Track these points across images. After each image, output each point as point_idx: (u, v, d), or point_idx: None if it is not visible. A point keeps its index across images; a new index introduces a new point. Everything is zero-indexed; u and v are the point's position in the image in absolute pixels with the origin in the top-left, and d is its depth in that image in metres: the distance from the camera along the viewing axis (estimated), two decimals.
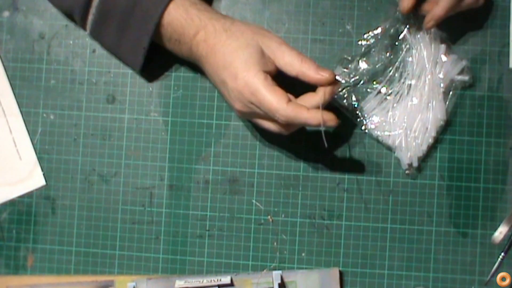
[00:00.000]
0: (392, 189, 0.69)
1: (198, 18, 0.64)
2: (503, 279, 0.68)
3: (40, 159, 0.72)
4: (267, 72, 0.61)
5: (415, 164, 0.68)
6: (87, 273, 0.71)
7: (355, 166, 0.70)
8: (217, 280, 0.68)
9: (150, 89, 0.71)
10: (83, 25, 0.68)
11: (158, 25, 0.64)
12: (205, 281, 0.68)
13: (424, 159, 0.69)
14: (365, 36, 0.69)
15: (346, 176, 0.70)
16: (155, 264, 0.71)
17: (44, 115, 0.72)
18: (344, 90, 0.69)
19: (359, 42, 0.69)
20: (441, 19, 0.64)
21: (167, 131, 0.71)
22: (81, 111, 0.72)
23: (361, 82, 0.69)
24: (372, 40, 0.69)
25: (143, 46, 0.66)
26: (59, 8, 0.71)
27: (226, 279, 0.68)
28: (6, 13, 0.73)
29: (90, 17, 0.67)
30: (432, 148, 0.69)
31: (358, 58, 0.69)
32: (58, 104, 0.72)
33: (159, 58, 0.69)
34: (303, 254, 0.70)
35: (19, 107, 0.72)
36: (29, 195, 0.72)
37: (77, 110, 0.72)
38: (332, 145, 0.70)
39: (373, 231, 0.69)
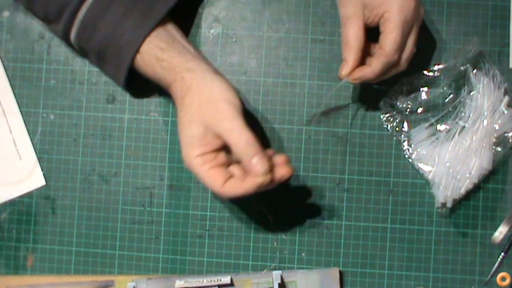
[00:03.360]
0: (392, 189, 0.69)
1: (163, 77, 0.63)
2: (503, 279, 0.68)
3: (40, 159, 0.72)
4: (211, 150, 0.60)
5: (449, 205, 0.67)
6: (87, 273, 0.71)
7: (355, 166, 0.70)
8: (217, 280, 0.68)
9: (150, 89, 0.71)
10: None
11: (140, 72, 0.65)
12: (205, 281, 0.68)
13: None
14: (432, 68, 0.69)
15: (346, 176, 0.70)
16: (155, 264, 0.71)
17: (44, 115, 0.72)
18: (397, 115, 0.69)
19: (425, 72, 0.68)
20: (368, 81, 0.63)
21: (167, 131, 0.71)
22: (81, 111, 0.72)
23: (417, 110, 0.69)
24: (437, 74, 0.68)
25: (120, 81, 0.66)
26: None
27: (226, 279, 0.68)
28: (6, 13, 0.73)
29: (73, 46, 0.68)
30: (470, 193, 0.68)
31: (420, 88, 0.69)
32: (58, 104, 0.72)
33: None
34: (303, 254, 0.70)
35: (19, 107, 0.72)
36: (29, 195, 0.72)
37: (77, 110, 0.72)
38: (332, 145, 0.70)
39: (373, 231, 0.69)
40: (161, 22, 0.64)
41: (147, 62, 0.63)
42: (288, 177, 0.61)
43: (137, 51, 0.63)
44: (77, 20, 0.64)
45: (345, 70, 0.62)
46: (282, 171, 0.61)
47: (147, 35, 0.63)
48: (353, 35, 0.61)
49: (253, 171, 0.59)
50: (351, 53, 0.62)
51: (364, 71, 0.62)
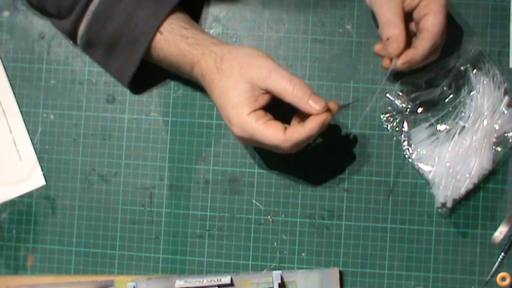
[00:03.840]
0: (392, 189, 0.69)
1: (190, 54, 0.63)
2: (503, 279, 0.68)
3: (40, 159, 0.72)
4: (261, 106, 0.61)
5: (449, 205, 0.67)
6: (87, 273, 0.71)
7: (355, 166, 0.70)
8: (217, 280, 0.68)
9: (150, 89, 0.71)
10: (75, 44, 0.69)
11: (154, 58, 0.65)
12: (205, 281, 0.68)
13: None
14: (432, 68, 0.68)
15: (346, 176, 0.70)
16: (155, 264, 0.71)
17: (44, 115, 0.72)
18: (397, 115, 0.69)
19: (425, 72, 0.68)
20: (414, 66, 0.62)
21: (167, 131, 0.71)
22: (81, 111, 0.72)
23: (417, 110, 0.69)
24: (437, 74, 0.68)
25: (128, 74, 0.67)
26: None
27: (226, 279, 0.68)
28: (6, 13, 0.73)
29: (78, 41, 0.68)
30: (470, 193, 0.68)
31: (420, 88, 0.68)
32: (58, 104, 0.72)
33: None
34: (303, 254, 0.70)
35: (19, 107, 0.72)
36: (29, 195, 0.72)
37: (77, 110, 0.72)
38: (332, 145, 0.70)
39: (373, 231, 0.69)
40: (174, 11, 0.65)
41: (171, 41, 0.64)
42: (338, 110, 0.62)
43: (151, 41, 0.64)
44: (89, 11, 0.64)
45: (396, 47, 0.61)
46: (331, 105, 0.61)
47: (160, 24, 0.64)
48: (395, 13, 0.61)
49: (312, 111, 0.60)
50: (397, 28, 0.60)
51: (413, 52, 0.61)
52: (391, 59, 0.62)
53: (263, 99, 0.61)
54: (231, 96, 0.61)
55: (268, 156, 0.70)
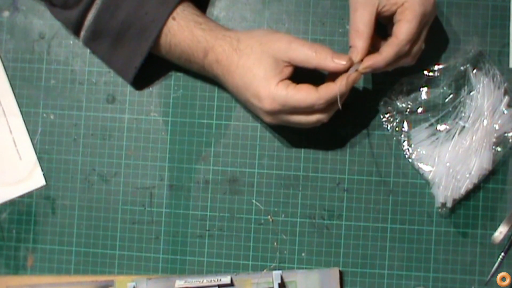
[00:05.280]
0: (392, 189, 0.69)
1: (204, 39, 0.64)
2: (503, 279, 0.68)
3: (40, 159, 0.72)
4: (286, 77, 0.62)
5: (449, 205, 0.67)
6: (87, 273, 0.71)
7: (355, 166, 0.70)
8: (217, 280, 0.68)
9: (150, 89, 0.71)
10: (77, 36, 0.69)
11: (164, 48, 0.65)
12: (205, 281, 0.68)
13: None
14: (432, 68, 0.69)
15: (346, 176, 0.70)
16: (155, 264, 0.71)
17: (44, 115, 0.72)
18: (397, 115, 0.69)
19: (425, 72, 0.69)
20: (379, 69, 0.62)
21: (167, 131, 0.71)
22: (81, 111, 0.72)
23: (417, 110, 0.69)
24: (437, 74, 0.68)
25: (134, 65, 0.67)
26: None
27: (226, 279, 0.68)
28: (6, 13, 0.73)
29: (82, 33, 0.67)
30: (470, 193, 0.68)
31: (420, 88, 0.69)
32: (58, 104, 0.72)
33: (159, 58, 0.69)
34: (303, 254, 0.70)
35: (19, 107, 0.72)
36: (29, 195, 0.72)
37: (77, 110, 0.72)
38: (332, 145, 0.70)
39: (373, 231, 0.69)
40: (183, 0, 0.65)
41: (184, 26, 0.64)
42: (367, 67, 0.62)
43: (161, 29, 0.64)
44: (98, 0, 0.64)
45: (354, 56, 0.62)
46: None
47: (171, 12, 0.64)
48: (365, 22, 0.61)
49: (339, 68, 0.61)
50: (361, 40, 0.61)
51: (375, 58, 0.61)
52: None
53: (287, 71, 0.62)
54: (256, 71, 0.62)
55: (268, 156, 0.70)
